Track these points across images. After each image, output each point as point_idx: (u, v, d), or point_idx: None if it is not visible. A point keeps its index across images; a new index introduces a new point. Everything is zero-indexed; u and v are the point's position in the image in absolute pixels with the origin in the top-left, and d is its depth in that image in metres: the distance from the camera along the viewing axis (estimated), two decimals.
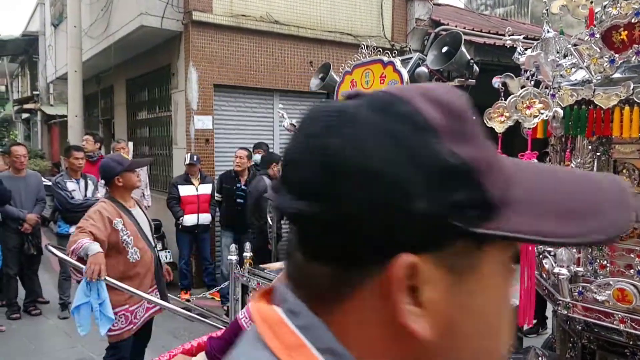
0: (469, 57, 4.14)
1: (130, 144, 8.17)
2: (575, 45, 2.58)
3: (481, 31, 9.03)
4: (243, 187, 6.38)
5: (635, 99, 2.21)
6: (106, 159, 3.67)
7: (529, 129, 2.41)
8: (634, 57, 2.29)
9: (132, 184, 3.54)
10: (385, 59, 4.22)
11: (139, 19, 6.93)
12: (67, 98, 9.76)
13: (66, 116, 10.07)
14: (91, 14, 9.12)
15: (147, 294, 3.35)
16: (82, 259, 3.05)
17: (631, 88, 2.21)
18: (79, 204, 5.56)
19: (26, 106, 18.69)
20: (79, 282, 3.13)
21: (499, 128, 2.77)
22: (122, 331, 3.30)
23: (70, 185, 5.77)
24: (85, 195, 5.80)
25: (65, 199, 5.67)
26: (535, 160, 2.50)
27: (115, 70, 9.33)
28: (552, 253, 2.72)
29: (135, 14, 7.07)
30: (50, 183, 6.95)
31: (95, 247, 3.07)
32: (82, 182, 5.87)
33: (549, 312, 4.82)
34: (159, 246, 4.17)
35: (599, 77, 2.42)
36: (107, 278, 3.04)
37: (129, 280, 3.24)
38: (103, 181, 5.76)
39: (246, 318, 1.69)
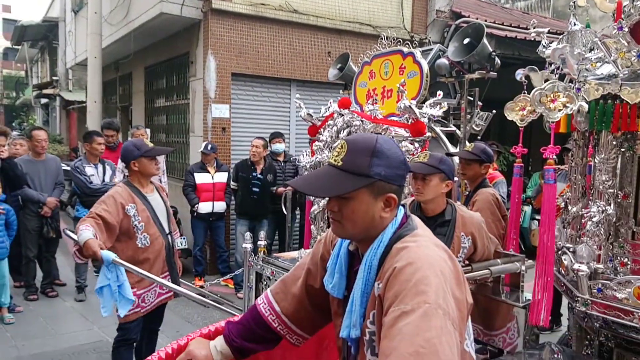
0: (491, 50, 4.09)
1: (148, 130, 8.21)
2: (602, 39, 2.53)
3: (502, 24, 8.91)
4: (259, 175, 6.40)
5: None
6: (127, 142, 3.70)
7: (553, 122, 2.37)
8: None
9: (147, 170, 3.53)
10: (405, 49, 4.18)
11: (159, 6, 6.95)
12: (86, 84, 9.84)
13: (85, 102, 10.18)
14: (111, 1, 9.16)
15: (160, 278, 3.37)
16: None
17: None
18: (97, 189, 5.61)
19: (45, 91, 18.87)
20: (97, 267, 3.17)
21: (520, 122, 2.74)
22: (129, 313, 3.32)
23: (89, 170, 5.83)
24: (103, 180, 5.86)
25: (84, 184, 5.73)
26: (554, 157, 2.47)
27: (134, 57, 9.37)
28: (571, 250, 2.69)
29: (155, 1, 7.09)
30: (68, 168, 7.04)
31: (85, 235, 3.05)
32: (100, 167, 5.92)
33: (563, 309, 4.78)
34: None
35: (626, 72, 2.37)
36: (121, 260, 3.07)
37: (137, 265, 3.25)
38: (122, 166, 5.85)
39: (264, 304, 1.69)
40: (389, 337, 1.18)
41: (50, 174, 6.03)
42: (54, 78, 18.20)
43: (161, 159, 6.71)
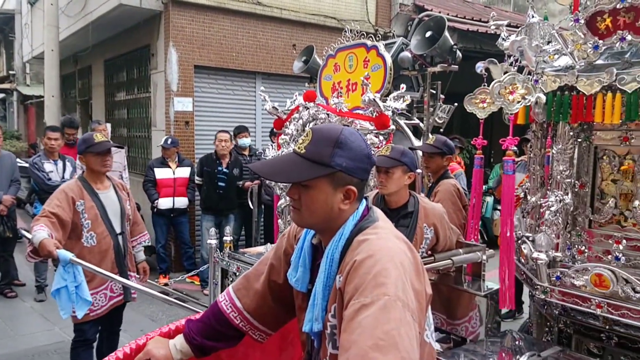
0: (452, 43, 4.12)
1: (108, 125, 8.01)
2: (559, 31, 2.57)
3: (464, 18, 9.02)
4: (225, 170, 6.32)
5: (618, 85, 2.22)
6: (80, 137, 3.58)
7: (511, 114, 2.40)
8: (618, 43, 2.30)
9: (93, 166, 3.38)
10: (369, 43, 4.17)
11: None
12: (44, 78, 9.51)
13: (43, 96, 9.83)
14: None
15: (121, 278, 3.28)
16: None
17: (614, 74, 2.21)
18: (55, 185, 5.42)
19: (2, 86, 18.20)
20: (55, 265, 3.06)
21: (481, 114, 2.77)
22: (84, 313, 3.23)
23: (48, 166, 5.65)
24: (63, 177, 5.67)
25: (42, 180, 5.55)
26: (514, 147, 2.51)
27: (93, 50, 9.11)
28: (530, 239, 2.74)
29: None
30: (26, 164, 6.80)
31: (39, 235, 2.94)
32: (60, 163, 5.74)
33: (525, 297, 4.89)
34: None
35: (582, 63, 2.42)
36: (79, 260, 2.97)
37: None
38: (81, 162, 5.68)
39: (226, 301, 1.66)
40: (349, 331, 1.17)
41: (5, 171, 5.81)
42: (11, 72, 17.56)
43: (122, 154, 6.57)
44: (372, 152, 1.45)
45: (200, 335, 1.60)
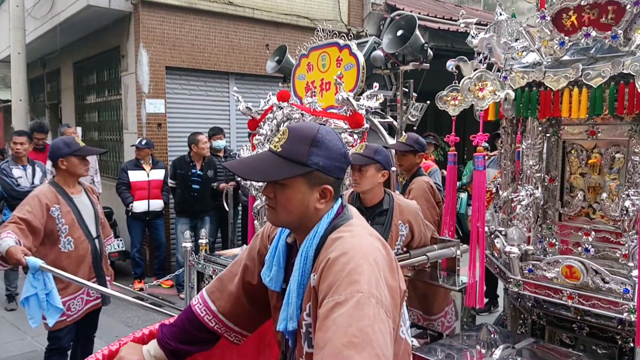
0: (423, 41, 4.16)
1: (79, 129, 7.86)
2: (526, 28, 2.62)
3: (436, 17, 9.11)
4: (199, 172, 6.26)
5: (584, 80, 2.27)
6: (57, 140, 3.50)
7: (481, 111, 2.44)
8: (583, 39, 2.35)
9: (75, 170, 3.34)
10: (341, 42, 4.18)
11: None
12: (11, 82, 9.27)
13: (10, 101, 9.59)
14: None
15: (92, 284, 3.22)
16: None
17: (580, 70, 2.26)
18: (25, 191, 5.28)
19: None
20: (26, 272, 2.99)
21: (452, 111, 2.80)
22: (56, 322, 3.17)
23: (17, 171, 5.50)
24: (33, 182, 5.54)
25: (11, 186, 5.41)
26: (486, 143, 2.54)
27: (62, 53, 8.91)
28: (503, 233, 2.78)
29: None
30: None
31: (6, 243, 2.87)
32: (29, 168, 5.60)
33: (500, 291, 4.97)
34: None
35: (549, 60, 2.46)
36: (49, 267, 2.91)
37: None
38: (51, 166, 5.55)
39: (200, 304, 1.63)
40: (324, 329, 1.17)
41: None
42: None
43: (93, 157, 6.44)
44: (348, 151, 1.45)
45: (174, 340, 1.57)
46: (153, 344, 1.58)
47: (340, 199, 1.45)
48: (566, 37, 2.39)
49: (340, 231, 1.35)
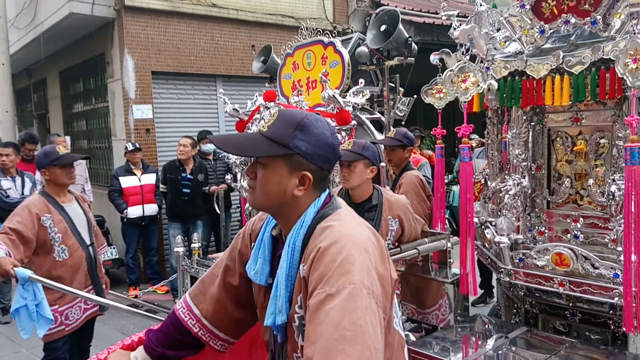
0: (407, 35, 4.16)
1: (68, 138, 7.81)
2: (507, 18, 2.62)
3: (421, 11, 9.12)
4: (189, 176, 6.23)
5: (565, 67, 2.27)
6: (39, 151, 3.49)
7: (465, 102, 2.44)
8: (563, 26, 2.35)
9: (58, 180, 3.31)
10: (326, 39, 4.18)
11: (68, 6, 6.57)
12: None
13: None
14: (17, 3, 8.59)
15: (84, 293, 3.20)
16: None
17: (560, 57, 2.26)
18: (14, 203, 5.24)
19: None
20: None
21: (438, 104, 2.80)
22: (52, 332, 3.14)
23: (5, 183, 5.47)
24: (23, 193, 5.50)
25: (0, 198, 5.37)
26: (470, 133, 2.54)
27: (47, 62, 8.85)
28: (493, 223, 2.79)
29: (63, 1, 6.70)
30: None
31: None
32: (18, 180, 5.56)
33: (495, 282, 4.98)
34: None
35: (531, 48, 2.47)
36: (39, 277, 2.89)
37: (56, 280, 3.06)
38: (40, 177, 5.51)
39: (183, 308, 1.60)
40: (315, 321, 1.15)
41: None
42: None
43: (82, 166, 6.41)
44: (338, 144, 1.43)
45: (160, 346, 1.55)
46: (140, 351, 1.56)
47: (327, 190, 1.43)
48: (546, 25, 2.39)
49: (329, 220, 1.33)
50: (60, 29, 7.37)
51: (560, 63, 2.26)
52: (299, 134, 1.33)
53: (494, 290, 5.35)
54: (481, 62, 2.67)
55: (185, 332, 1.58)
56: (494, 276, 4.87)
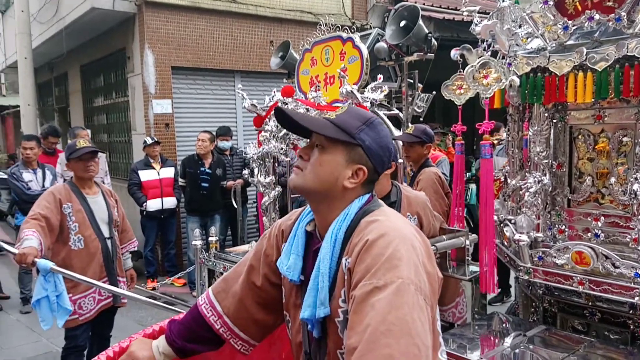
0: (427, 31, 4.13)
1: (88, 131, 7.91)
2: (529, 14, 2.59)
3: (440, 7, 9.05)
4: (208, 170, 6.29)
5: (588, 64, 2.24)
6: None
7: (487, 98, 2.42)
8: (587, 22, 2.31)
9: (76, 172, 3.43)
10: (344, 35, 4.16)
11: (90, 1, 6.66)
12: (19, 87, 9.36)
13: (19, 106, 9.68)
14: None
15: (102, 283, 3.26)
16: None
17: (584, 54, 2.23)
18: (35, 195, 5.35)
19: None
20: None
21: (458, 100, 2.79)
22: (68, 320, 3.20)
23: (27, 175, 5.57)
24: (43, 186, 5.60)
25: (22, 190, 5.47)
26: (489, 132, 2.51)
27: (69, 57, 8.99)
28: (512, 221, 2.77)
29: None
30: (5, 176, 6.70)
31: (28, 243, 2.96)
32: (39, 172, 5.66)
33: (512, 281, 4.94)
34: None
35: (553, 45, 2.43)
36: (60, 269, 2.95)
37: (69, 269, 3.13)
38: (61, 170, 5.62)
39: (206, 304, 1.60)
40: (361, 313, 1.14)
41: None
42: None
43: (103, 159, 6.51)
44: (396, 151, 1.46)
45: (181, 338, 1.55)
46: (161, 340, 1.57)
47: (371, 192, 1.42)
48: (569, 22, 2.36)
49: (375, 215, 1.32)
50: (82, 24, 7.47)
51: (584, 60, 2.23)
52: (367, 129, 1.35)
53: (511, 289, 5.31)
54: (503, 58, 2.64)
55: (207, 328, 1.58)
56: (512, 275, 4.83)
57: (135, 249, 3.85)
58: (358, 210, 1.34)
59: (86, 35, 8.13)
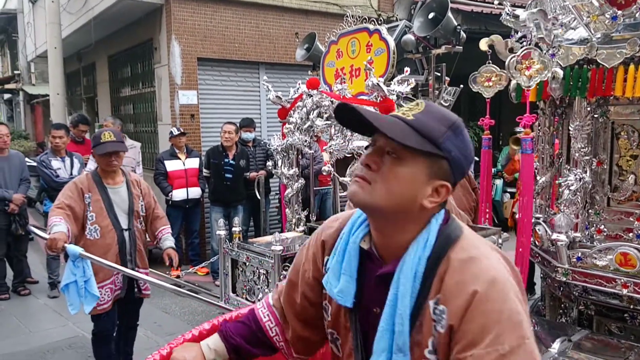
0: (456, 23, 4.03)
1: (118, 121, 7.99)
2: (571, 3, 2.48)
3: None
4: (231, 161, 6.29)
5: None
6: None
7: (528, 90, 2.32)
8: (638, 13, 2.20)
9: (100, 164, 3.45)
10: (371, 27, 4.08)
11: None
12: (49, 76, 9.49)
13: (48, 95, 9.83)
14: None
15: (135, 272, 3.28)
16: None
17: (638, 45, 2.12)
18: (64, 182, 5.41)
19: (7, 86, 18.21)
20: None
21: (487, 93, 2.70)
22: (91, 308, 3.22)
23: (55, 163, 5.64)
24: (71, 174, 5.66)
25: (50, 177, 5.55)
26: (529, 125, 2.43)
27: (97, 47, 9.08)
28: (543, 220, 2.67)
29: None
30: (34, 163, 6.80)
31: (57, 228, 3.00)
32: (67, 160, 5.72)
33: (537, 279, 4.83)
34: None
35: (599, 36, 2.32)
36: (89, 254, 2.97)
37: None
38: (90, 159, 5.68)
39: (264, 308, 1.51)
40: None
41: (15, 170, 5.80)
42: (16, 72, 17.56)
43: (137, 149, 6.59)
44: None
45: (239, 336, 1.44)
46: (214, 338, 1.45)
47: (445, 206, 1.19)
48: (619, 11, 2.23)
49: (465, 248, 1.10)
50: (110, 14, 7.52)
51: (637, 52, 2.11)
52: (452, 136, 1.09)
53: (536, 287, 5.19)
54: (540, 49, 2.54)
55: (263, 332, 1.47)
56: (536, 273, 4.72)
57: (170, 233, 3.81)
58: (437, 234, 1.12)
59: (114, 25, 8.19)
